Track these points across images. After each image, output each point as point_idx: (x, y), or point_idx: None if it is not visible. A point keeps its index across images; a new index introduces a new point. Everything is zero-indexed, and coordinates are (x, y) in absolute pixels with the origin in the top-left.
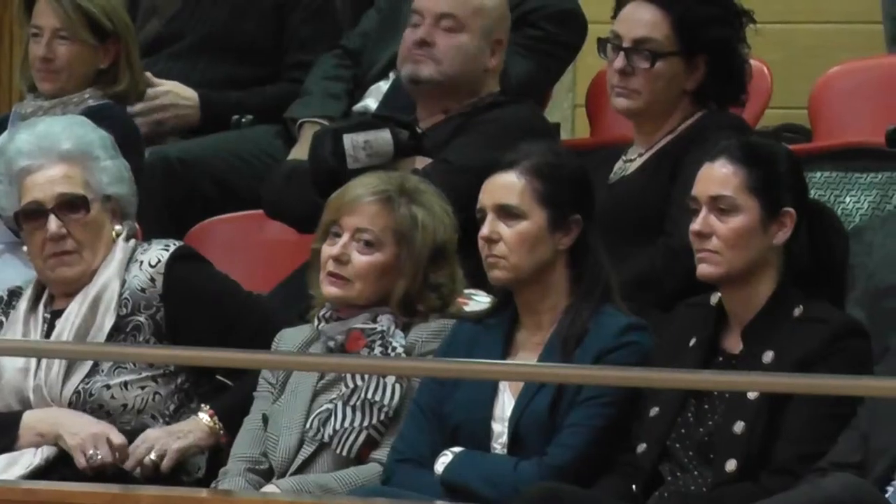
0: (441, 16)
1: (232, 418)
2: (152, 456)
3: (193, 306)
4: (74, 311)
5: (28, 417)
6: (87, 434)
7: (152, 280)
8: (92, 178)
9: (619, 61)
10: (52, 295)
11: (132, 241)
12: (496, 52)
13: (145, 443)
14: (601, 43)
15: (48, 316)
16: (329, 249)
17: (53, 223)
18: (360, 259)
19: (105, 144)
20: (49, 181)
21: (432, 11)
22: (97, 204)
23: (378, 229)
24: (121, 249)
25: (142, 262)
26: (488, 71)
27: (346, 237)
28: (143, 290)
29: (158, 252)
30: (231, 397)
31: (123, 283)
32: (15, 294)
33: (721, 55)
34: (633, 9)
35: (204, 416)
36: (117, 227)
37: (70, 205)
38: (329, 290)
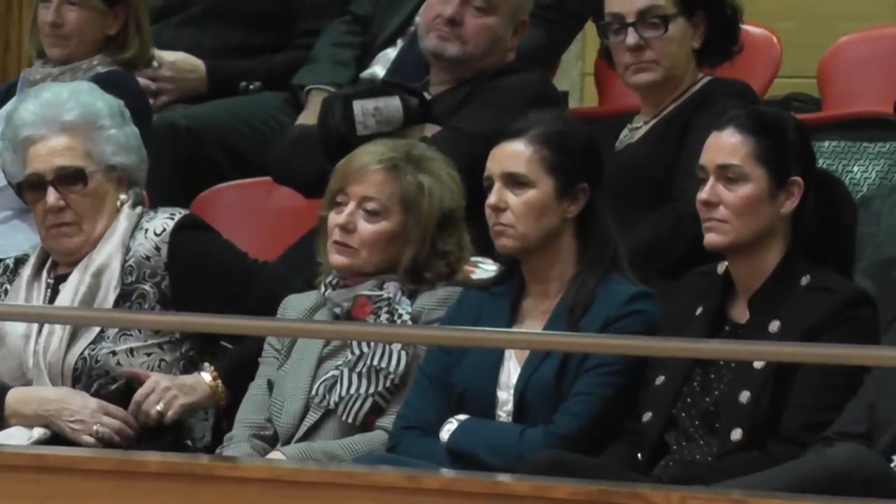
0: None
1: (234, 381)
2: (159, 407)
3: (198, 275)
4: (77, 279)
5: (11, 399)
6: (86, 413)
7: (157, 249)
8: (95, 149)
9: (631, 37)
10: (55, 262)
11: (138, 209)
12: (518, 32)
13: (155, 392)
14: (601, 28)
15: (51, 281)
16: (335, 218)
17: (52, 195)
18: (366, 227)
19: (113, 112)
20: (49, 153)
21: None
22: (98, 175)
23: (384, 197)
24: (126, 217)
25: (147, 231)
26: (509, 49)
27: (352, 206)
28: (147, 258)
29: (164, 221)
30: (232, 361)
31: (128, 250)
32: (21, 262)
33: (716, 6)
34: None
35: (207, 376)
36: (122, 196)
37: (69, 177)
38: (336, 258)
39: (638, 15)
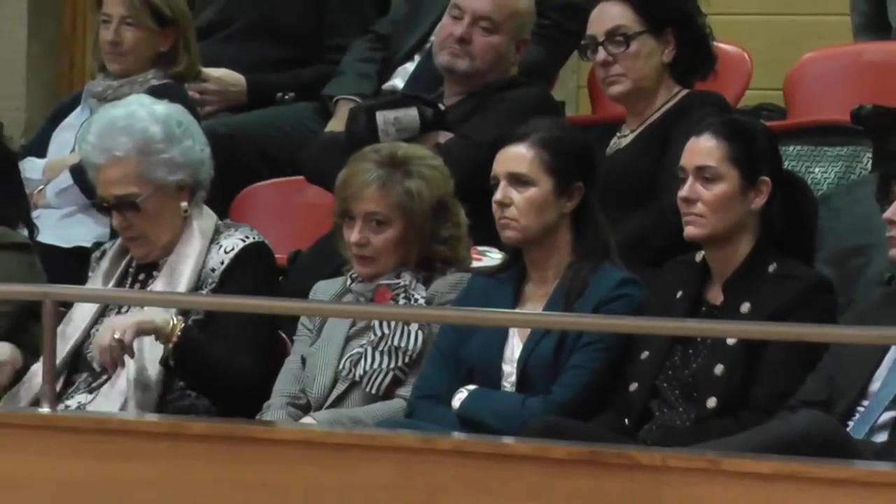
0: (481, 17)
1: (192, 341)
2: (116, 335)
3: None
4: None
5: None
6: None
7: (222, 263)
8: (147, 174)
9: (600, 55)
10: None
11: (212, 221)
12: (521, 49)
13: (108, 329)
14: (581, 49)
15: (132, 270)
16: (349, 234)
17: (115, 218)
18: (377, 239)
19: (167, 132)
20: (106, 182)
21: (473, 11)
22: (153, 197)
23: (384, 209)
24: (201, 233)
25: (221, 247)
26: (513, 64)
27: (360, 222)
28: (213, 269)
29: (236, 240)
30: (203, 342)
31: (204, 264)
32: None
33: (684, 25)
34: (599, 10)
35: (171, 313)
36: (183, 204)
37: (124, 205)
38: (360, 269)
39: (606, 35)
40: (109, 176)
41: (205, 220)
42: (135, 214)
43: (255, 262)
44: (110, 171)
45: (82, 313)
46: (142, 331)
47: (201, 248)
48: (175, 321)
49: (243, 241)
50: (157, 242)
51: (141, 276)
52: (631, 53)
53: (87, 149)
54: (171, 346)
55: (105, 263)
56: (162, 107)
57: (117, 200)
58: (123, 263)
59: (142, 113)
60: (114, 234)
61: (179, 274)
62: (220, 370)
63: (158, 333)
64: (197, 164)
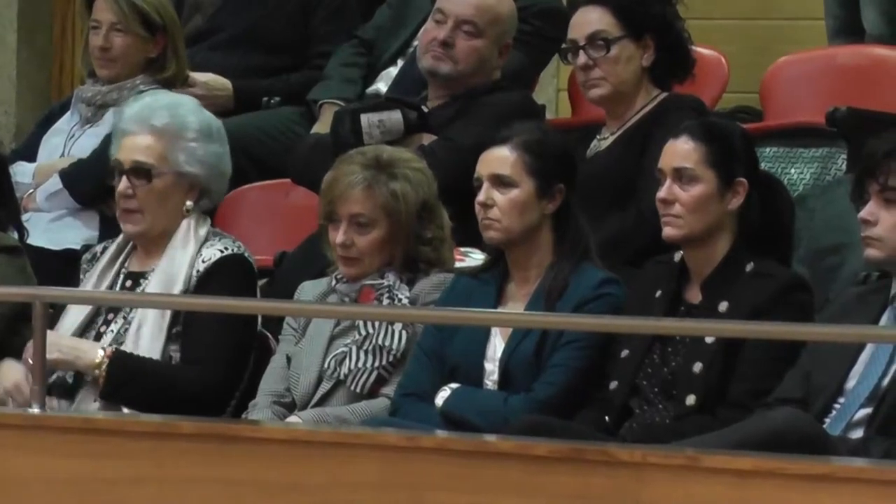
0: (463, 21)
1: (122, 371)
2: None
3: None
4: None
5: None
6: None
7: (198, 272)
8: (171, 155)
9: (581, 58)
10: (127, 257)
11: (205, 228)
12: (503, 54)
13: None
14: (562, 52)
15: (125, 272)
16: (334, 236)
17: (123, 183)
18: (362, 240)
19: (201, 129)
20: (132, 147)
21: (456, 16)
22: (167, 177)
23: (368, 211)
24: (195, 238)
25: (202, 256)
26: (495, 68)
27: (345, 224)
28: (190, 278)
29: (215, 251)
30: (137, 366)
31: (192, 267)
32: (105, 250)
33: (663, 31)
34: (579, 15)
35: (100, 353)
36: (188, 203)
37: (139, 171)
38: (345, 270)
39: (587, 39)
40: (137, 143)
41: (200, 226)
42: (143, 185)
43: (229, 274)
44: (139, 138)
45: (73, 317)
46: (60, 367)
47: (193, 254)
48: (102, 356)
49: (221, 251)
50: (150, 224)
51: (128, 284)
52: (611, 58)
53: (128, 114)
54: (100, 381)
55: (97, 269)
56: (208, 112)
57: (134, 165)
58: (113, 271)
59: (187, 103)
60: (102, 237)
61: (172, 279)
62: (158, 387)
63: (82, 370)
64: (215, 170)
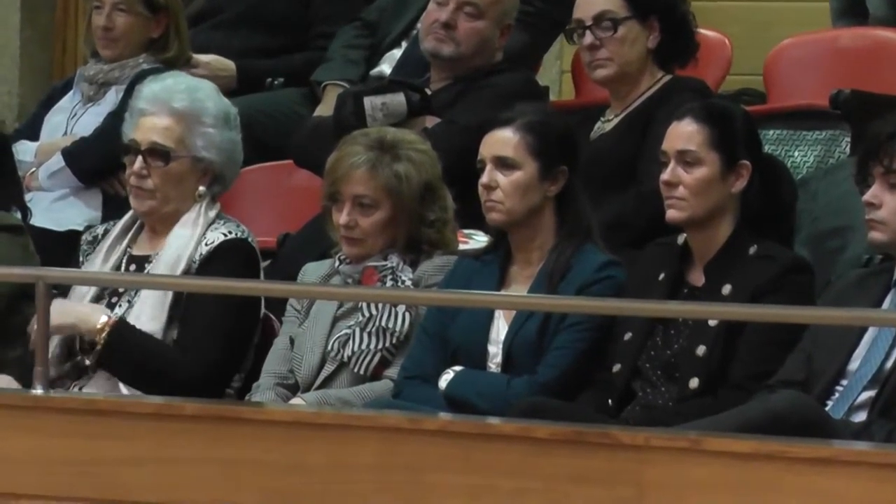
0: (465, 3)
1: (121, 341)
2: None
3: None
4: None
5: None
6: None
7: (201, 255)
8: (188, 138)
9: (587, 38)
10: (132, 240)
11: (214, 211)
12: (505, 34)
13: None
14: (567, 32)
15: (128, 257)
16: (338, 217)
17: (138, 162)
18: (365, 221)
19: (218, 115)
20: (150, 128)
21: None
22: (183, 160)
23: (371, 192)
24: (203, 220)
25: (206, 239)
26: (497, 49)
27: (348, 205)
28: (194, 261)
29: (219, 234)
30: (136, 340)
31: (195, 251)
32: (106, 232)
33: (668, 12)
34: None
35: (103, 317)
36: (201, 188)
37: (156, 153)
38: (348, 250)
39: (594, 19)
40: (155, 123)
41: (209, 210)
42: (160, 167)
43: (230, 258)
44: (158, 119)
45: (78, 297)
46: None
47: (198, 238)
48: (101, 324)
49: (225, 235)
50: (161, 204)
51: (132, 268)
52: (617, 38)
53: (147, 95)
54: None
55: (101, 250)
56: (225, 99)
57: (152, 145)
58: (117, 253)
59: (206, 88)
60: (105, 217)
61: (177, 262)
62: (152, 366)
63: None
64: (230, 157)
